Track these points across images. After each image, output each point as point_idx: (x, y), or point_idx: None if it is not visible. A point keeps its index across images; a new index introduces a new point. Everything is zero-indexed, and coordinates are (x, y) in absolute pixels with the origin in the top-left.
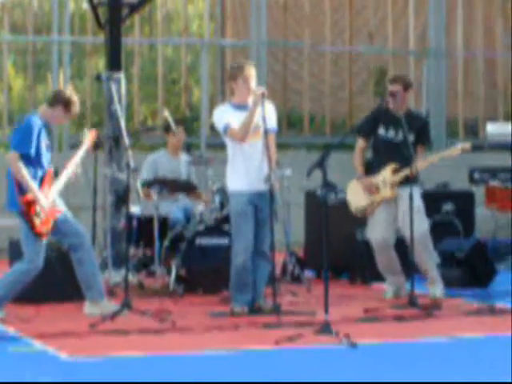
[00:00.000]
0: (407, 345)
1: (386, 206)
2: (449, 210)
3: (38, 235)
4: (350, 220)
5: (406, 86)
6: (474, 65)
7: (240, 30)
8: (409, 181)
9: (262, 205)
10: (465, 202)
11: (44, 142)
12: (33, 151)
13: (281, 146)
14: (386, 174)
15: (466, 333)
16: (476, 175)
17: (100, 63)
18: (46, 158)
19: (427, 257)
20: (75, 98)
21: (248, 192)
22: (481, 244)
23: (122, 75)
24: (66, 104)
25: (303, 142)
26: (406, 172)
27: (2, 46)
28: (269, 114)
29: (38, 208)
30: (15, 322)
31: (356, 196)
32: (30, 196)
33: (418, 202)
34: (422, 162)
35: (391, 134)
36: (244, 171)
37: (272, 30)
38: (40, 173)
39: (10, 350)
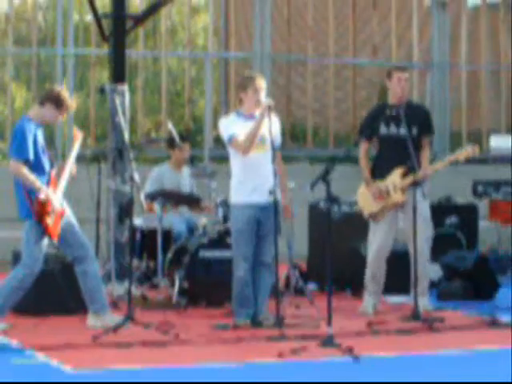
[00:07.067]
0: (411, 358)
1: (391, 212)
2: (452, 223)
3: (50, 236)
4: (354, 233)
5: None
6: (477, 77)
7: (244, 43)
8: (417, 183)
9: (265, 218)
10: (468, 214)
11: (40, 145)
12: (31, 156)
13: (284, 159)
14: (396, 178)
15: (469, 346)
16: (480, 188)
17: (104, 75)
18: (45, 160)
19: (426, 265)
20: (65, 94)
21: (250, 205)
22: (484, 257)
23: (125, 87)
24: (57, 100)
25: (306, 154)
26: (414, 177)
27: (5, 59)
28: (274, 129)
29: (49, 209)
30: (18, 334)
31: (367, 202)
32: (41, 198)
33: (423, 206)
34: (431, 167)
35: (393, 129)
36: (248, 184)
37: (276, 42)
38: (44, 176)
39: (12, 362)
